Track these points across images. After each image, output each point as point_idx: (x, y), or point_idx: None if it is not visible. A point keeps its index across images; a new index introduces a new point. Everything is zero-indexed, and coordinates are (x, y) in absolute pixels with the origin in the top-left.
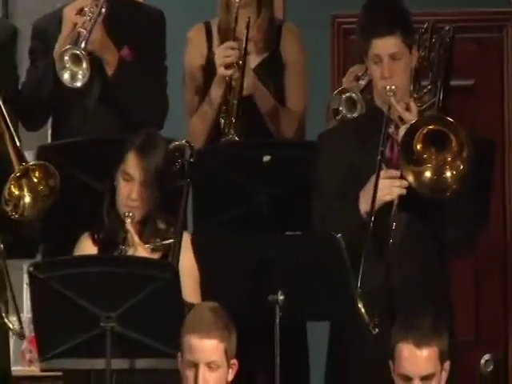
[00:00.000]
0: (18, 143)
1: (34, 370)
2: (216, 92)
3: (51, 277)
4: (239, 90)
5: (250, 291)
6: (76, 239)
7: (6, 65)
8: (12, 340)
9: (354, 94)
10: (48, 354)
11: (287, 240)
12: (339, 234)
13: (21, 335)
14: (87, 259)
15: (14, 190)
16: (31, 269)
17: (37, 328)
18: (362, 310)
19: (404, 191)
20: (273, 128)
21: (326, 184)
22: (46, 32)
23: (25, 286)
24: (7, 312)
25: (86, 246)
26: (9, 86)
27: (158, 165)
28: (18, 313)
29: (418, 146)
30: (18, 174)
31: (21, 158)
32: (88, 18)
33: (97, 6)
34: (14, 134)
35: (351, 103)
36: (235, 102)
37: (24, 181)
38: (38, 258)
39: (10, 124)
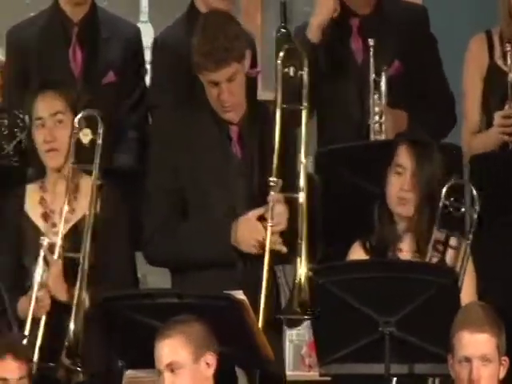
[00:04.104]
0: None
1: (314, 374)
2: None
3: (330, 281)
4: None
5: None
6: (351, 243)
7: None
8: (292, 345)
9: None
10: (327, 359)
11: None
12: None
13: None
14: (365, 264)
15: None
16: (310, 274)
17: (316, 333)
18: None
19: None
20: None
21: None
22: None
23: None
24: None
25: (358, 256)
26: None
27: (431, 166)
28: None
29: None
30: None
31: None
32: None
33: None
34: None
35: None
36: None
37: None
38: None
39: None
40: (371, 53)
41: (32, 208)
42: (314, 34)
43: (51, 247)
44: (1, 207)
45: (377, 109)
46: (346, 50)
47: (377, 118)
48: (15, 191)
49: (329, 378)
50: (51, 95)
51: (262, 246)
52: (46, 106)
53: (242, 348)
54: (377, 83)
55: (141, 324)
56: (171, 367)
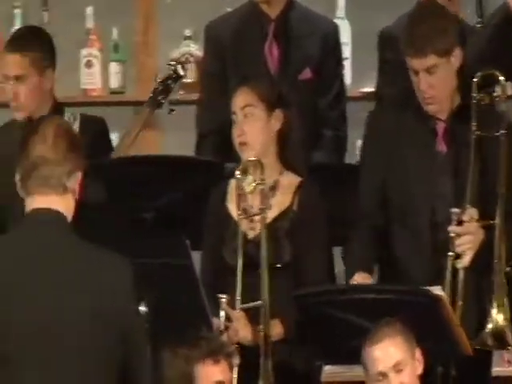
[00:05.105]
0: None
1: None
2: None
3: None
4: None
5: None
6: None
7: None
8: None
9: None
10: None
11: None
12: None
13: None
14: None
15: None
16: (508, 269)
17: None
18: None
19: None
20: None
21: None
22: None
23: None
24: None
25: None
26: None
27: None
28: None
29: None
30: None
31: None
32: None
33: None
34: None
35: None
36: None
37: None
38: None
39: None
40: None
41: (232, 203)
42: None
43: (230, 301)
44: (204, 203)
45: None
46: None
47: None
48: (218, 186)
49: None
50: (243, 90)
51: None
52: (238, 101)
53: (439, 343)
54: None
55: (339, 320)
56: (397, 368)
